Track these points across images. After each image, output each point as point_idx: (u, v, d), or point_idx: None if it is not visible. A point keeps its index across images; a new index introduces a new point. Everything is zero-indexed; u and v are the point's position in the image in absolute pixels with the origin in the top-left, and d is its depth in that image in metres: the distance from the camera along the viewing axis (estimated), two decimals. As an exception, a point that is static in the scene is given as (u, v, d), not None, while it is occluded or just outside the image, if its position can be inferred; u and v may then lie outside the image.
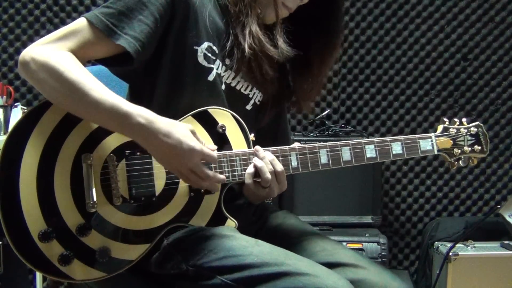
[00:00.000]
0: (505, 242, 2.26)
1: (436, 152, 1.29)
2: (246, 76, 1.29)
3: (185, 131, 1.07)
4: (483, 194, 2.76)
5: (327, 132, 2.57)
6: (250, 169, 1.20)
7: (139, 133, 1.05)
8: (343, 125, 2.67)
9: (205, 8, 1.22)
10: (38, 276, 2.34)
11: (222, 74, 1.26)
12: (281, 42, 1.25)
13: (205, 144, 1.12)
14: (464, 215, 2.76)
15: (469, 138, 1.31)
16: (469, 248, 2.24)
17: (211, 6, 1.25)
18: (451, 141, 1.30)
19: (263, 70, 1.25)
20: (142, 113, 1.04)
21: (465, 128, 1.32)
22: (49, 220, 1.08)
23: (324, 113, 2.70)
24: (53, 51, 1.06)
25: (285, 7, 1.26)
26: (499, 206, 2.39)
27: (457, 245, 2.20)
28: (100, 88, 1.04)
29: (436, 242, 2.38)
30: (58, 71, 1.03)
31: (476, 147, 1.31)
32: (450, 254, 2.17)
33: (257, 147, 1.21)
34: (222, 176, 1.15)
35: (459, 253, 2.18)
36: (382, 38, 2.73)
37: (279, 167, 1.20)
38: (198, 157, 1.08)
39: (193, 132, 1.10)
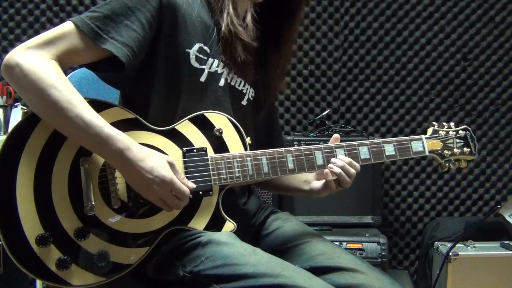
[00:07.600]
0: (505, 242, 2.26)
1: (427, 153, 1.32)
2: (227, 64, 1.28)
3: (160, 161, 1.07)
4: (483, 194, 2.76)
5: (327, 132, 2.55)
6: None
7: (116, 158, 1.05)
8: (343, 125, 2.67)
9: (193, 9, 1.22)
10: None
11: (219, 71, 1.26)
12: (248, 19, 1.26)
13: (183, 179, 1.11)
14: (464, 215, 2.76)
15: (458, 140, 1.35)
16: (469, 248, 2.24)
17: (199, 5, 1.24)
18: (441, 143, 1.34)
19: (236, 52, 1.24)
20: (121, 139, 1.04)
21: (453, 131, 1.36)
22: (46, 224, 1.07)
23: (324, 113, 2.70)
24: (39, 60, 1.04)
25: None
26: (499, 206, 2.38)
27: (457, 245, 2.21)
28: (82, 108, 1.03)
29: (436, 242, 2.38)
30: (41, 86, 1.01)
31: (465, 149, 1.35)
32: (450, 254, 2.17)
33: (333, 159, 1.24)
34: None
35: (459, 253, 2.18)
36: (382, 38, 2.73)
37: (352, 171, 1.24)
38: (168, 187, 1.07)
39: (171, 164, 1.09)
